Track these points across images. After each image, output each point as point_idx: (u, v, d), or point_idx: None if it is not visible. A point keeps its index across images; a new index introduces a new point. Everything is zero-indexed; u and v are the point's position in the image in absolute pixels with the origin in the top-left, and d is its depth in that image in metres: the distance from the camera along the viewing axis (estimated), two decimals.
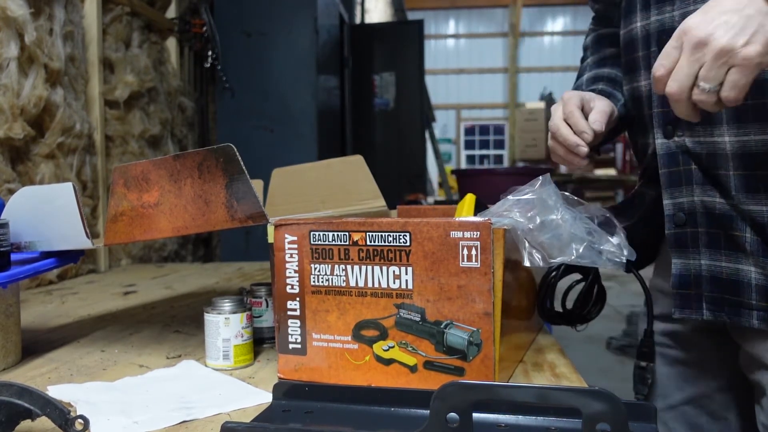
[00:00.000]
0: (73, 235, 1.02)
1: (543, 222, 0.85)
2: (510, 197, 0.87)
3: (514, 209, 0.86)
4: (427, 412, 0.58)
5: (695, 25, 0.72)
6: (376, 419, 0.71)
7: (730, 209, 0.88)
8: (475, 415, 0.58)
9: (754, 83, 0.72)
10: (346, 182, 1.34)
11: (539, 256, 0.85)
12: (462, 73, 14.20)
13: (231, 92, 3.25)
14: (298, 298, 0.89)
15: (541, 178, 0.87)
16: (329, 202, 1.30)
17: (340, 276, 0.87)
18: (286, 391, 0.76)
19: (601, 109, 0.98)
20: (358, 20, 5.83)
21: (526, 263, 0.86)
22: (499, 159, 14.35)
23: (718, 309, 0.92)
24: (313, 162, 1.52)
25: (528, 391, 0.59)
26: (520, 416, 0.69)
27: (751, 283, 0.87)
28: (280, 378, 0.91)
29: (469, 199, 1.08)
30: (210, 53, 3.16)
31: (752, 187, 0.85)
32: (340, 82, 4.16)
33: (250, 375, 0.95)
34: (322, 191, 1.34)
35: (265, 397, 0.82)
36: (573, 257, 0.86)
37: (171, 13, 3.00)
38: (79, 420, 0.66)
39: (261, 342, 1.10)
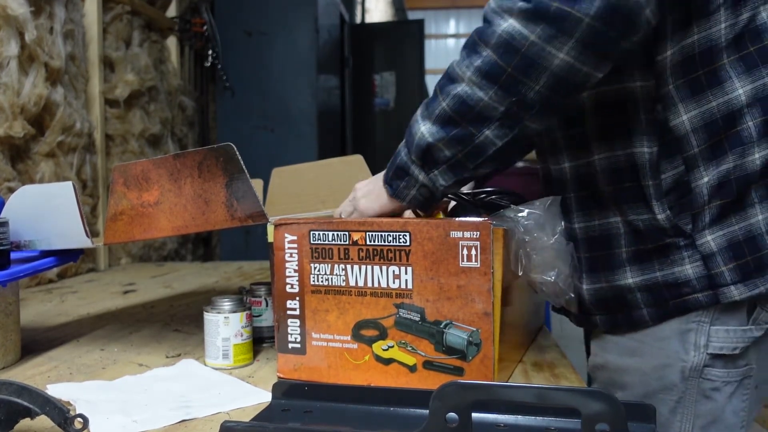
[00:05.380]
0: (72, 234, 1.02)
1: (537, 238, 0.85)
2: (522, 207, 0.87)
3: (519, 217, 0.86)
4: (427, 411, 0.58)
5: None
6: (375, 419, 0.71)
7: None
8: (474, 415, 0.58)
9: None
10: (346, 182, 1.34)
11: (522, 267, 0.86)
12: None
13: (231, 91, 3.25)
14: (297, 298, 0.89)
15: (551, 199, 0.87)
16: (329, 201, 1.30)
17: (340, 276, 0.87)
18: (285, 390, 0.76)
19: None
20: (358, 20, 5.83)
21: (512, 267, 0.86)
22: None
23: None
24: (313, 162, 1.52)
25: (527, 391, 0.59)
26: (520, 416, 0.69)
27: None
28: (279, 377, 0.91)
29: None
30: (210, 52, 3.16)
31: None
32: (340, 82, 4.16)
33: (250, 374, 0.95)
34: (322, 191, 1.34)
35: (265, 397, 0.82)
36: (552, 280, 0.87)
37: (171, 12, 3.00)
38: (78, 419, 0.66)
39: (260, 341, 1.10)
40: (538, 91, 0.75)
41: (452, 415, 0.57)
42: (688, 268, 0.84)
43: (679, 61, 0.82)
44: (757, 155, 0.81)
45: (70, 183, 1.02)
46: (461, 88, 0.79)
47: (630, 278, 0.88)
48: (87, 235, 1.02)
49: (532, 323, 1.11)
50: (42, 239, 1.04)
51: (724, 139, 0.82)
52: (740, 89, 0.81)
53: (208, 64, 3.19)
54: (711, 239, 0.83)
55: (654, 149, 0.83)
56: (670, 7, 0.80)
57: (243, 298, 1.01)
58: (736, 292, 0.83)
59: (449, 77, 0.81)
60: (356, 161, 1.36)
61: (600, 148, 0.87)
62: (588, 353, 1.02)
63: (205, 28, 3.10)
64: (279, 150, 3.15)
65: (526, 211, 0.86)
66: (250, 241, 3.19)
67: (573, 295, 0.91)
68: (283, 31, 3.27)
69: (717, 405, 0.87)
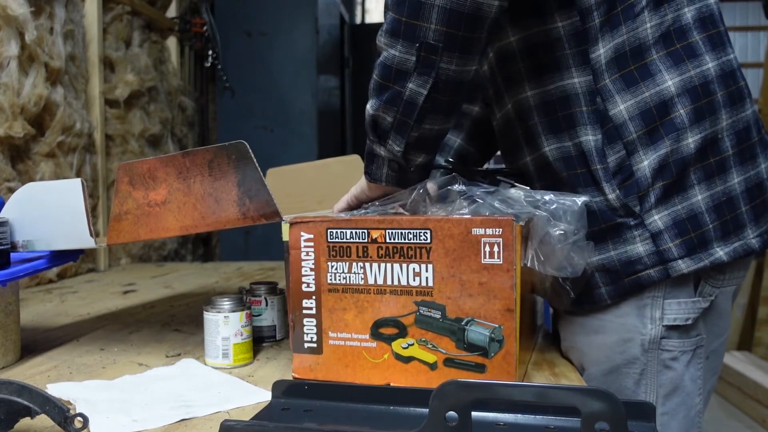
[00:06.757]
0: (76, 234, 1.00)
1: (559, 230, 0.85)
2: (554, 197, 0.88)
3: (547, 207, 0.86)
4: (426, 410, 0.58)
5: None
6: (375, 418, 0.71)
7: None
8: (474, 413, 0.58)
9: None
10: (344, 182, 1.34)
11: (538, 262, 0.86)
12: None
13: (231, 92, 3.25)
14: (314, 297, 0.88)
15: (583, 198, 0.88)
16: (326, 201, 1.30)
17: (358, 274, 0.86)
18: (285, 389, 0.76)
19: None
20: (358, 20, 5.83)
21: (526, 260, 0.86)
22: (499, 159, 14.32)
23: None
24: (310, 162, 1.52)
25: (527, 390, 0.59)
26: (519, 415, 0.69)
27: None
28: (294, 378, 0.90)
29: None
30: (210, 53, 3.16)
31: None
32: (340, 82, 4.16)
33: (250, 374, 0.95)
34: (319, 191, 1.33)
35: (264, 396, 0.82)
36: (560, 275, 0.88)
37: (171, 12, 3.00)
38: (78, 418, 0.66)
39: (260, 341, 1.10)
40: (436, 30, 0.80)
41: (452, 413, 0.57)
42: (639, 246, 0.91)
43: (613, 58, 0.91)
44: (690, 140, 0.90)
45: (79, 180, 0.99)
46: (382, 56, 0.86)
47: None
48: (91, 234, 1.01)
49: (534, 323, 1.11)
50: (41, 240, 1.02)
51: (659, 126, 0.90)
52: (669, 81, 0.90)
53: (208, 64, 3.19)
54: (658, 218, 0.91)
55: (598, 136, 0.91)
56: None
57: (243, 298, 1.01)
58: (683, 266, 0.91)
59: (377, 55, 0.87)
60: (354, 161, 1.35)
61: (549, 140, 0.95)
62: (557, 338, 1.07)
63: (205, 28, 3.10)
64: (279, 150, 3.15)
65: (559, 203, 0.86)
66: (249, 241, 3.19)
67: (573, 296, 0.92)
68: (283, 31, 3.27)
69: (677, 374, 0.94)
